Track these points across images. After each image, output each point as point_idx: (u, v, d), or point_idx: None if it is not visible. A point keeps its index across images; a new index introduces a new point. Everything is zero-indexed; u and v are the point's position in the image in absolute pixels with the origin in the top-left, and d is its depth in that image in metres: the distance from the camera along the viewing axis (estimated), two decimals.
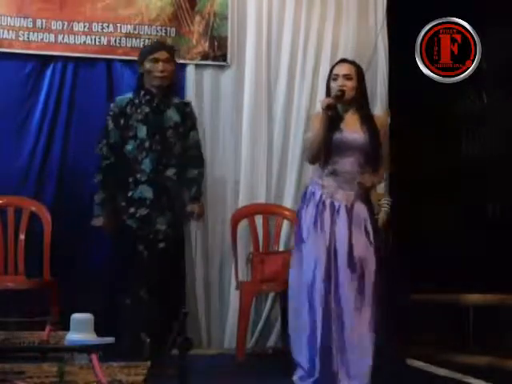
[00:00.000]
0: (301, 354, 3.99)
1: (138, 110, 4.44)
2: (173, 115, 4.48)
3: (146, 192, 4.39)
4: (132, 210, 4.39)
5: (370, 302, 3.92)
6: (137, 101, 4.47)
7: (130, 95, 4.53)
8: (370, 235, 4.00)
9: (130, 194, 4.40)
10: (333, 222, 4.00)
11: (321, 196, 4.04)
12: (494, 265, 5.09)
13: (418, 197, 5.47)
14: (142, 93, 4.47)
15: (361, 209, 4.03)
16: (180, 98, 4.70)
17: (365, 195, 4.08)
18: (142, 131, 4.41)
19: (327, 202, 4.03)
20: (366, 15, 5.67)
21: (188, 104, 4.66)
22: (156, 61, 4.45)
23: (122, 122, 4.43)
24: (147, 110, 4.44)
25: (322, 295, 3.94)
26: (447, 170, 5.56)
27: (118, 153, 4.43)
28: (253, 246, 5.32)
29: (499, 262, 5.06)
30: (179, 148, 4.47)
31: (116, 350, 3.03)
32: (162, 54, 4.46)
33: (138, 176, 4.40)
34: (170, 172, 4.43)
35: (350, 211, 4.01)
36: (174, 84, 4.61)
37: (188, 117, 4.56)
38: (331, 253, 3.98)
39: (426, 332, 5.22)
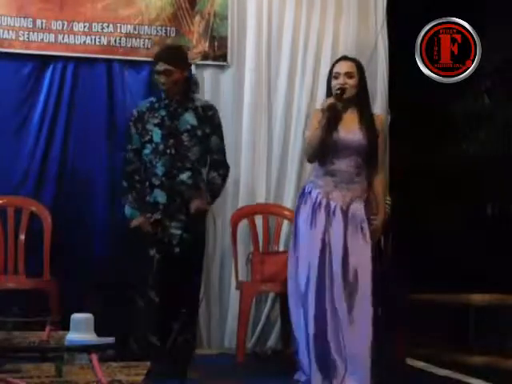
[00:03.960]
0: (302, 355, 3.99)
1: (156, 114, 4.36)
2: (189, 119, 4.35)
3: (160, 196, 4.32)
4: (148, 214, 4.35)
5: (367, 302, 3.91)
6: (157, 105, 4.38)
7: (152, 99, 4.46)
8: (367, 235, 3.99)
9: (146, 198, 4.37)
10: (328, 223, 4.00)
11: (317, 196, 4.04)
12: (494, 265, 5.09)
13: (417, 197, 5.47)
14: (163, 96, 4.39)
15: (357, 209, 4.01)
16: (203, 100, 4.56)
17: (363, 195, 4.08)
18: (157, 135, 4.33)
19: (323, 202, 4.02)
20: (366, 15, 5.66)
21: (211, 107, 4.47)
22: (157, 73, 4.33)
23: (139, 126, 4.38)
24: (163, 113, 4.35)
25: (315, 298, 3.94)
26: (447, 170, 5.56)
27: (139, 157, 4.40)
28: (253, 245, 5.32)
29: (499, 261, 5.06)
30: (196, 152, 4.34)
31: (125, 352, 3.04)
32: (161, 66, 4.31)
33: (153, 180, 4.34)
34: (185, 176, 4.31)
35: (345, 212, 4.00)
36: (190, 86, 4.44)
37: (208, 120, 4.40)
38: (326, 254, 3.97)
39: (426, 332, 5.22)
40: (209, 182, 4.39)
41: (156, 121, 4.36)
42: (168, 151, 4.31)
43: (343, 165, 4.03)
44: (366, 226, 4.00)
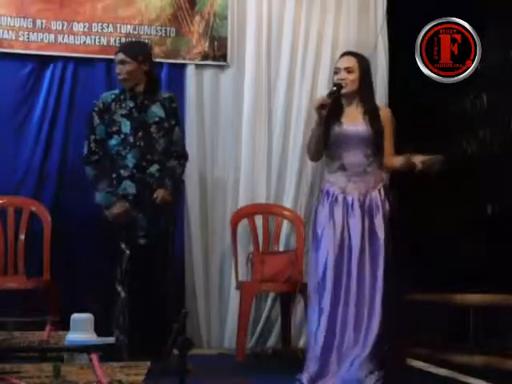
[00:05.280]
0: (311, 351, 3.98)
1: (123, 105, 4.42)
2: (157, 111, 4.45)
3: (129, 188, 4.36)
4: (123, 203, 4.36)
5: (381, 293, 3.94)
6: (122, 96, 4.46)
7: (116, 91, 4.54)
8: (381, 224, 4.02)
9: (113, 190, 4.38)
10: (346, 216, 4.02)
11: (333, 193, 4.06)
12: (494, 265, 5.08)
13: (417, 196, 5.46)
14: (128, 89, 4.46)
15: (374, 196, 4.04)
16: (166, 92, 4.64)
17: (379, 184, 4.09)
18: (126, 126, 4.39)
19: (340, 198, 4.04)
20: (366, 15, 5.67)
21: (174, 99, 4.57)
22: (115, 63, 4.48)
23: (106, 117, 4.42)
24: (131, 105, 4.43)
25: (332, 292, 3.95)
26: (447, 170, 5.55)
27: (103, 148, 4.43)
28: (253, 245, 5.32)
29: (499, 261, 5.05)
30: (162, 144, 4.43)
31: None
32: (118, 56, 4.46)
33: (122, 172, 4.37)
34: (153, 168, 4.39)
35: (363, 203, 4.02)
36: (155, 80, 4.56)
37: (173, 112, 4.51)
38: (344, 247, 3.99)
39: (425, 332, 5.22)
40: (170, 170, 4.44)
41: (124, 112, 4.41)
42: (138, 143, 4.36)
43: (352, 157, 4.04)
44: (381, 215, 4.02)
